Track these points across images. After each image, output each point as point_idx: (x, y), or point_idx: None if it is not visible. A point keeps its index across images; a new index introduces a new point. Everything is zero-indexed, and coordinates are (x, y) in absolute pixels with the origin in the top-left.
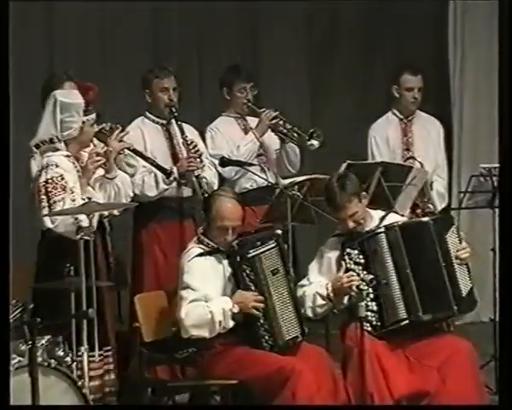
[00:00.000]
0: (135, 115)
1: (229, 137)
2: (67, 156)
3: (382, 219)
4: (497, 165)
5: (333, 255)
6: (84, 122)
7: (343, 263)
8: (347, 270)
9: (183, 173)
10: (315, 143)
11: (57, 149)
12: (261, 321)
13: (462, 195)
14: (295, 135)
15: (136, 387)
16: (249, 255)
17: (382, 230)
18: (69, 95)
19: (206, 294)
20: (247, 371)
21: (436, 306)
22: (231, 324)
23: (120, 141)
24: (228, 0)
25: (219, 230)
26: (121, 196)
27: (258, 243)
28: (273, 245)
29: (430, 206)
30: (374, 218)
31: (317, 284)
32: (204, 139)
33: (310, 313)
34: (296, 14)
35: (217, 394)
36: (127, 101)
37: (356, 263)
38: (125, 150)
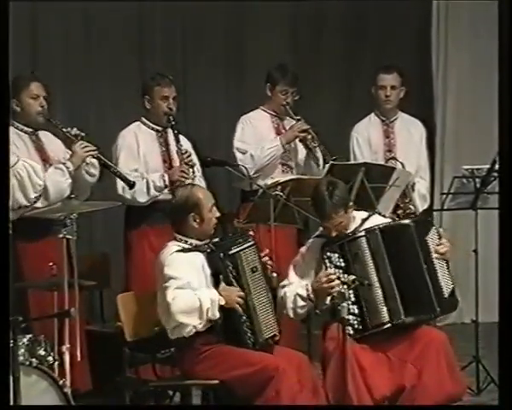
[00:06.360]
0: (119, 117)
1: (259, 133)
2: None
3: (364, 220)
4: (480, 166)
5: (314, 256)
6: None
7: (323, 266)
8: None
9: (173, 181)
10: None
11: None
12: (243, 318)
13: (444, 196)
14: (317, 155)
15: (119, 386)
16: (231, 252)
17: (363, 233)
18: None
19: (189, 281)
20: (230, 370)
21: (419, 308)
22: (218, 314)
23: (84, 148)
24: (213, 0)
25: (208, 211)
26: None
27: (239, 240)
28: (251, 243)
29: (411, 207)
30: (356, 219)
31: (297, 284)
32: (196, 149)
33: (291, 315)
34: (281, 14)
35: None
36: (112, 103)
37: (336, 266)
38: (87, 159)
